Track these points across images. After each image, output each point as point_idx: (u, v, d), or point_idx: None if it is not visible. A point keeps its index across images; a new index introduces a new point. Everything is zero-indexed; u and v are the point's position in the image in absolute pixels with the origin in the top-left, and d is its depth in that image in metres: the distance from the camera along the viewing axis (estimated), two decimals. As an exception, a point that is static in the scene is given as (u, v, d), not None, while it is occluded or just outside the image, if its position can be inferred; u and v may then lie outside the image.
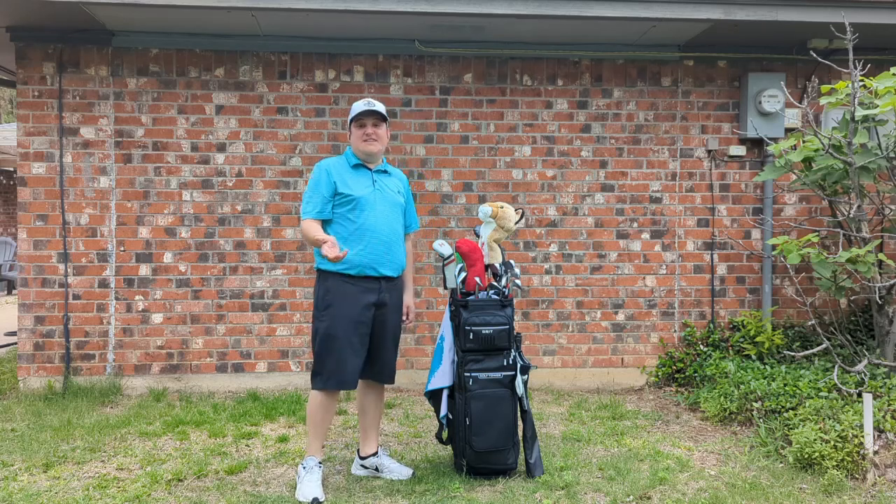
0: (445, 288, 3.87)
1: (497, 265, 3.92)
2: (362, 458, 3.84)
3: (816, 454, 3.78)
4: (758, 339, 5.42)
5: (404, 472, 3.79)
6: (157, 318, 5.51)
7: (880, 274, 4.65)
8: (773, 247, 5.08)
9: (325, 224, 3.61)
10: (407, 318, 3.89)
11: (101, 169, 5.46)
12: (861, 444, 3.74)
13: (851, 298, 5.85)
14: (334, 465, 3.96)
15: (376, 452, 3.83)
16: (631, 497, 3.54)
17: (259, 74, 5.57)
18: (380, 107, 3.64)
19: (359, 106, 3.64)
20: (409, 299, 3.89)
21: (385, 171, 3.75)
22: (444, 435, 3.85)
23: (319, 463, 3.62)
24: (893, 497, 3.52)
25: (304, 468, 3.58)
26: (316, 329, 3.59)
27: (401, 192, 3.78)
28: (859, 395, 4.20)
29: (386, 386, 3.91)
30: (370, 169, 3.69)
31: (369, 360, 3.66)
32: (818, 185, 4.89)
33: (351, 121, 3.67)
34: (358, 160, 3.68)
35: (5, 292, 13.08)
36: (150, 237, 5.50)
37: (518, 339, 3.84)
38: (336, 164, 3.66)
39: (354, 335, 3.55)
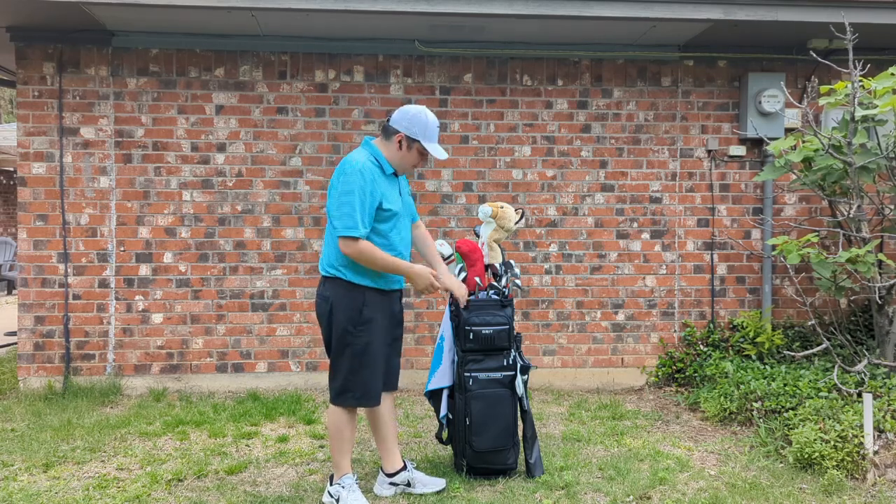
0: (445, 288, 3.87)
1: (497, 265, 3.91)
2: (390, 475, 3.58)
3: (816, 454, 3.78)
4: (758, 339, 5.42)
5: (437, 484, 3.59)
6: (157, 318, 5.51)
7: (880, 274, 4.65)
8: (773, 247, 5.07)
9: None
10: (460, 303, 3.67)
11: (101, 169, 5.46)
12: (861, 444, 3.73)
13: (851, 298, 5.85)
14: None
15: (405, 466, 3.60)
16: (631, 497, 3.54)
17: (259, 74, 5.57)
18: None
19: (433, 131, 3.37)
20: (450, 282, 3.62)
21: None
22: (444, 435, 3.85)
23: (356, 479, 3.46)
24: (893, 497, 3.52)
25: (342, 487, 3.37)
26: (348, 343, 3.33)
27: (408, 194, 3.64)
28: (859, 395, 4.20)
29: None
30: (397, 176, 3.47)
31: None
32: (818, 185, 4.89)
33: (415, 139, 3.34)
34: (393, 168, 3.40)
35: (5, 292, 13.08)
36: (150, 237, 5.50)
37: (518, 339, 3.84)
38: (375, 173, 3.30)
39: (389, 349, 3.49)
